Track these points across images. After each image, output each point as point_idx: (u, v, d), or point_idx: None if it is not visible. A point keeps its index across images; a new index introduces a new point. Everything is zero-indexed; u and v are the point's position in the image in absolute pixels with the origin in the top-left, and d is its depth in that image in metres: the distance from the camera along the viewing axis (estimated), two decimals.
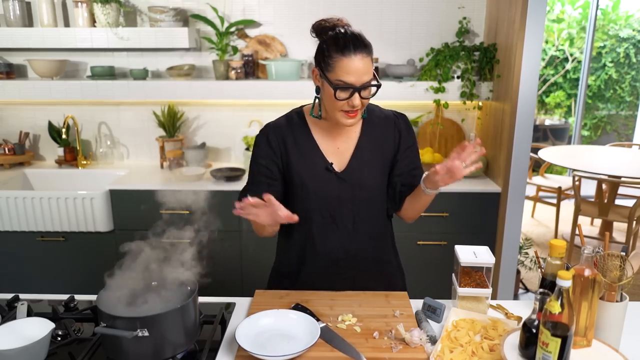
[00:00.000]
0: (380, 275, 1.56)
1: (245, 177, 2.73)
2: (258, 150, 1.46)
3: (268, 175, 1.45)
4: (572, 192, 4.13)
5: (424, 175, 1.41)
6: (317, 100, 1.42)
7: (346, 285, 1.50)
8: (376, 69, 2.83)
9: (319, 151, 1.44)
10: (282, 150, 1.44)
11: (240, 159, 3.02)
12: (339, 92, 1.28)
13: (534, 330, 1.11)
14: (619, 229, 4.33)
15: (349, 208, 1.46)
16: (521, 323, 1.20)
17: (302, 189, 1.44)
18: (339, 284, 1.50)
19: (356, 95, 1.29)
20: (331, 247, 1.49)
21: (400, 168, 1.49)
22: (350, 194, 1.45)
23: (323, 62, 1.30)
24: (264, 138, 1.46)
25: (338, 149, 1.45)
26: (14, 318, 1.31)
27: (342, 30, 1.30)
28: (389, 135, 1.47)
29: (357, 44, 1.27)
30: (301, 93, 2.81)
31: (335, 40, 1.28)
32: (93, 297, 1.27)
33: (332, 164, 1.44)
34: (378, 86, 1.32)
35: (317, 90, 1.39)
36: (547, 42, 6.21)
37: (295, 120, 1.47)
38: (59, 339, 1.28)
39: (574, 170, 3.67)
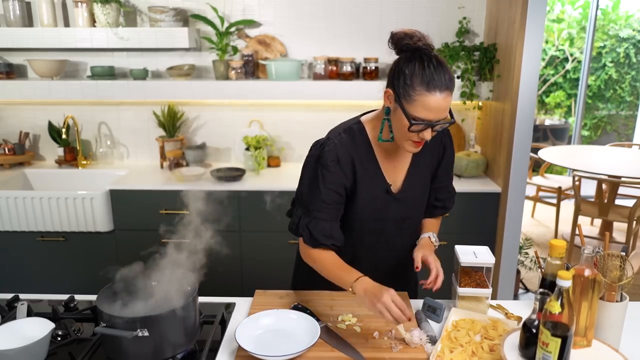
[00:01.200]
0: (410, 280, 1.61)
1: (245, 177, 2.74)
2: (327, 174, 1.33)
3: (337, 200, 1.36)
4: (572, 192, 4.13)
5: (423, 239, 1.48)
6: (386, 123, 1.31)
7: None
8: (375, 71, 2.83)
9: (381, 173, 1.39)
10: (351, 172, 1.36)
11: (240, 159, 3.02)
12: (413, 127, 1.21)
13: (534, 330, 1.11)
14: (619, 229, 4.33)
15: (400, 226, 1.47)
16: (521, 323, 1.20)
17: (361, 210, 1.40)
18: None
19: (429, 130, 1.22)
20: (379, 261, 1.51)
21: (438, 182, 1.51)
22: (404, 214, 1.45)
23: (403, 89, 1.20)
24: (334, 159, 1.33)
25: (394, 167, 1.41)
26: (14, 318, 1.31)
27: (428, 57, 1.20)
28: (435, 150, 1.46)
29: (444, 79, 1.18)
30: (301, 93, 2.81)
31: (421, 71, 1.18)
32: (93, 297, 1.28)
33: (390, 185, 1.41)
34: (451, 123, 1.25)
35: (387, 112, 1.29)
36: (547, 42, 6.21)
37: (358, 138, 1.37)
38: (59, 339, 1.28)
39: (574, 170, 3.68)
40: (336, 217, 1.37)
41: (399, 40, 1.24)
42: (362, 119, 1.40)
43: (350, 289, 1.25)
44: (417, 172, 1.44)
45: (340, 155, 1.33)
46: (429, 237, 1.49)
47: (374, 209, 1.41)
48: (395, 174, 1.42)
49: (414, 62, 1.20)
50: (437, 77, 1.18)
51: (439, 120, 1.22)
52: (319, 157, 1.34)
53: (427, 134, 1.23)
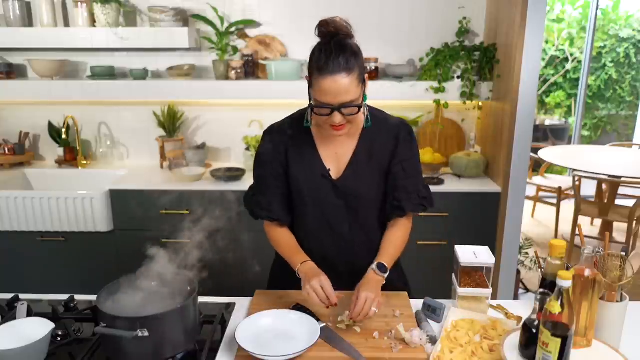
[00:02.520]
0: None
1: (245, 178, 2.74)
2: (263, 153, 1.46)
3: (275, 176, 1.45)
4: (572, 192, 4.13)
5: (368, 274, 1.36)
6: (309, 109, 1.36)
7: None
8: (375, 71, 2.83)
9: (318, 156, 1.43)
10: (283, 153, 1.44)
11: (240, 159, 3.02)
12: (317, 109, 1.27)
13: (534, 330, 1.11)
14: (619, 229, 4.32)
15: (344, 215, 1.45)
16: (521, 323, 1.20)
17: (298, 194, 1.45)
18: (339, 289, 1.48)
19: (336, 113, 1.25)
20: (327, 252, 1.48)
21: (394, 179, 1.43)
22: (345, 202, 1.44)
23: (309, 76, 1.29)
24: (267, 140, 1.46)
25: (336, 154, 1.43)
26: (14, 318, 1.31)
27: (326, 42, 1.25)
28: (386, 144, 1.43)
29: (335, 63, 1.21)
30: (301, 93, 2.78)
31: (318, 56, 1.25)
32: (93, 297, 1.28)
33: (329, 170, 1.43)
34: (359, 107, 1.26)
35: (310, 98, 1.33)
36: (547, 42, 6.21)
37: (298, 121, 1.44)
38: (59, 339, 1.28)
39: (574, 170, 3.67)
40: (274, 193, 1.45)
41: (318, 28, 1.30)
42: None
43: (297, 271, 1.36)
44: (359, 164, 1.42)
45: (274, 137, 1.44)
46: (373, 270, 1.36)
47: (310, 191, 1.43)
48: (337, 160, 1.44)
49: (315, 50, 1.27)
50: (329, 62, 1.22)
51: (344, 104, 1.25)
52: (260, 141, 1.49)
53: (336, 118, 1.26)
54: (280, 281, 1.56)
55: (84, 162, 3.02)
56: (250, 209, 1.50)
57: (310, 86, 1.29)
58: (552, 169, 5.25)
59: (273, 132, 1.46)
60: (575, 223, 3.79)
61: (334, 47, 1.24)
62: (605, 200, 3.78)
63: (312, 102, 1.30)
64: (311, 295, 1.28)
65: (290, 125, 1.46)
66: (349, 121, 1.30)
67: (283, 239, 1.48)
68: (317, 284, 1.28)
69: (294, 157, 1.43)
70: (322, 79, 1.23)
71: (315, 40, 1.33)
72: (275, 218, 1.47)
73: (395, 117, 1.48)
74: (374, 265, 1.37)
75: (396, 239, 1.46)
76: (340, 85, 1.23)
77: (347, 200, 1.44)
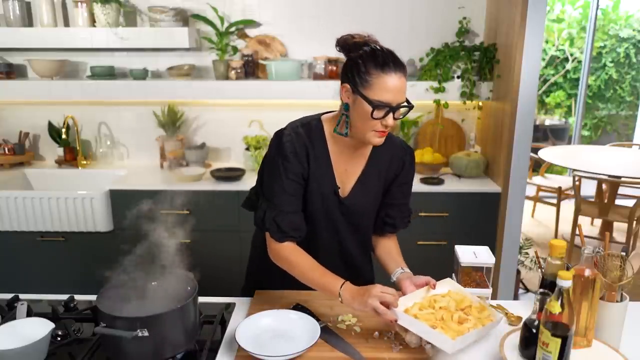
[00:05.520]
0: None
1: (245, 178, 2.74)
2: (288, 165, 1.34)
3: (299, 191, 1.37)
4: (572, 192, 4.13)
5: (400, 274, 1.39)
6: (344, 118, 1.32)
7: None
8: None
9: (332, 173, 1.40)
10: (307, 163, 1.37)
11: (240, 159, 3.02)
12: (376, 112, 1.23)
13: (534, 330, 1.11)
14: (619, 229, 4.32)
15: (348, 232, 1.47)
16: (521, 323, 1.20)
17: (312, 204, 1.41)
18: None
19: (390, 115, 1.25)
20: (337, 269, 1.44)
21: (391, 198, 1.48)
22: (350, 219, 1.45)
23: (358, 77, 1.24)
24: (292, 150, 1.34)
25: (346, 170, 1.42)
26: (14, 318, 1.31)
27: (376, 46, 1.27)
28: (392, 164, 1.45)
29: (397, 61, 1.24)
30: (301, 93, 2.81)
31: (373, 56, 1.24)
32: (93, 297, 1.28)
33: (339, 188, 1.41)
34: (410, 107, 1.28)
35: (346, 108, 1.30)
36: (547, 42, 6.21)
37: (314, 134, 1.39)
38: (59, 339, 1.28)
39: (574, 170, 3.67)
40: (299, 208, 1.39)
41: (344, 43, 1.31)
42: (322, 117, 1.43)
43: (339, 297, 1.27)
44: (368, 182, 1.43)
45: (297, 147, 1.35)
46: (403, 271, 1.41)
47: (322, 206, 1.42)
48: (346, 178, 1.42)
49: (364, 51, 1.26)
50: (389, 60, 1.24)
51: (399, 104, 1.25)
52: (278, 148, 1.36)
53: (390, 120, 1.25)
54: (260, 282, 1.58)
55: (84, 162, 3.02)
56: (277, 227, 1.35)
57: (362, 88, 1.24)
58: (552, 169, 5.25)
59: (294, 141, 1.35)
60: (575, 223, 3.79)
61: (386, 49, 1.26)
62: (605, 200, 3.78)
63: (371, 104, 1.23)
64: (377, 306, 1.19)
65: (307, 134, 1.38)
66: (393, 125, 1.29)
67: (307, 264, 1.35)
68: (378, 290, 1.21)
69: (314, 171, 1.38)
70: (386, 76, 1.22)
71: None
72: (302, 237, 1.39)
73: (396, 137, 1.50)
74: (402, 269, 1.40)
75: (396, 246, 1.53)
76: (402, 83, 1.24)
77: (350, 217, 1.45)
